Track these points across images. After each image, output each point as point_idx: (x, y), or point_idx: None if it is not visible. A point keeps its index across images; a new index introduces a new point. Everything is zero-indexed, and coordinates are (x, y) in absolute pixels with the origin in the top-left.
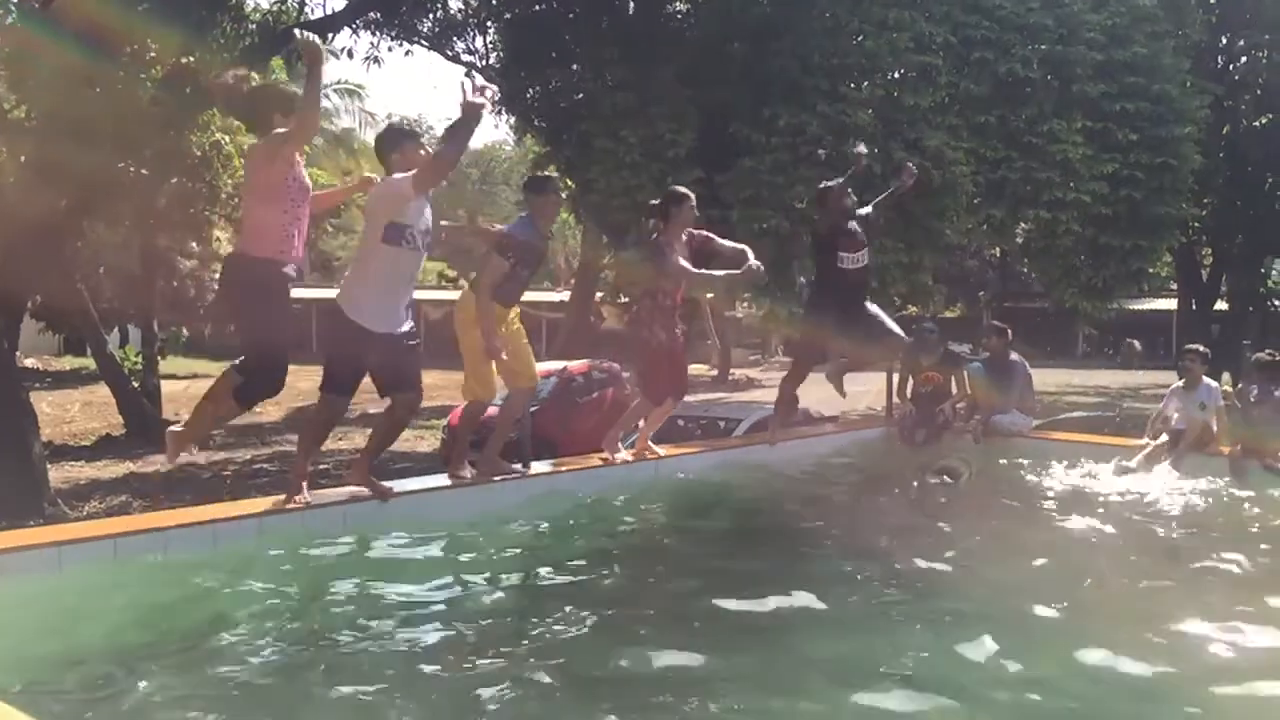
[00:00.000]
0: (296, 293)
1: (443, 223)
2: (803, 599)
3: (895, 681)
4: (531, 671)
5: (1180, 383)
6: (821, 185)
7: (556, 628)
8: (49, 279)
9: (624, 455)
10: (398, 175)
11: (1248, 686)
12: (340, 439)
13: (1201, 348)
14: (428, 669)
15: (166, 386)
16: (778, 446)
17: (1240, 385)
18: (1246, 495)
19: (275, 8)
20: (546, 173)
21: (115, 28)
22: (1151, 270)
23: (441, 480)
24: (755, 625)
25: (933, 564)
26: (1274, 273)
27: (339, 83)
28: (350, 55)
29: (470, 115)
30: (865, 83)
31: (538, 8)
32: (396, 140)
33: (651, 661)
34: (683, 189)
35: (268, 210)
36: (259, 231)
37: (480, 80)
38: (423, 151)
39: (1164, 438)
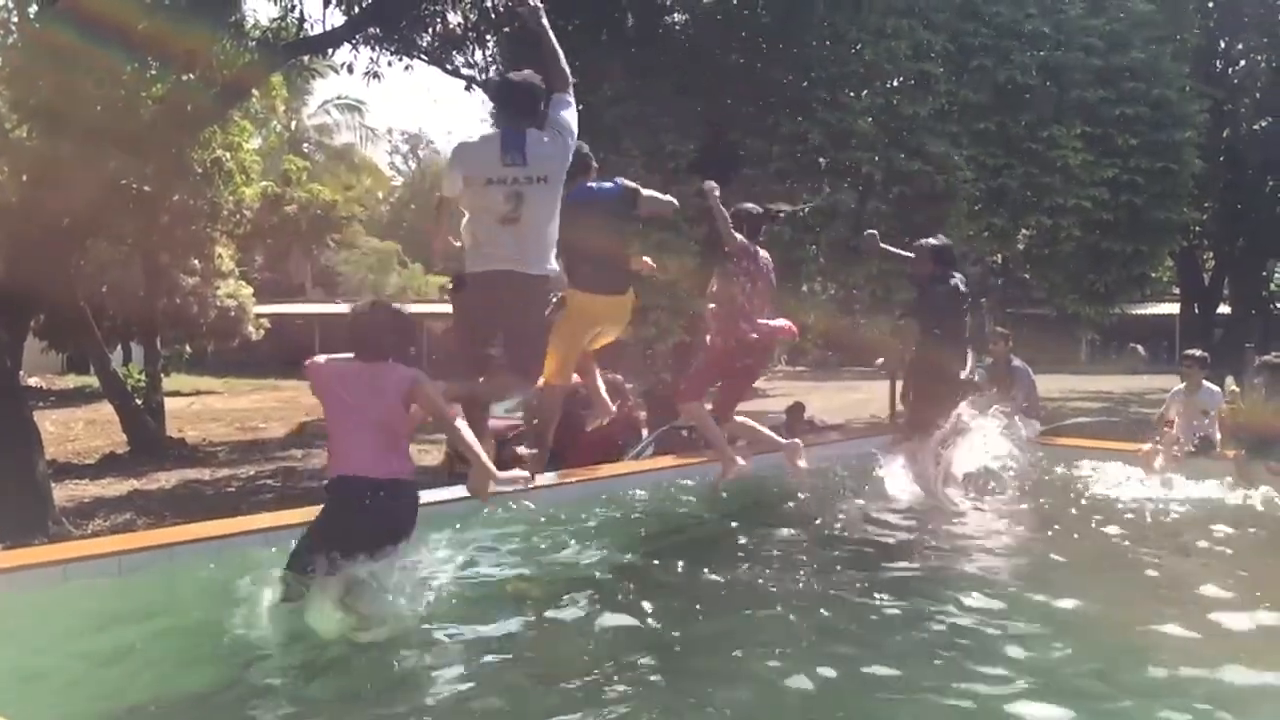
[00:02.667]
0: (302, 308)
1: None
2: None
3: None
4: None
5: (1181, 386)
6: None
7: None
8: (52, 296)
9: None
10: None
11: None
12: None
13: (1200, 352)
14: (452, 686)
15: (170, 404)
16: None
17: (1249, 381)
18: (1253, 497)
19: (275, 24)
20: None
21: (120, 35)
22: (1153, 275)
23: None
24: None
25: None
26: (1275, 276)
27: (339, 98)
28: (350, 70)
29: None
30: (865, 91)
31: None
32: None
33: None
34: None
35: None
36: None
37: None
38: None
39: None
